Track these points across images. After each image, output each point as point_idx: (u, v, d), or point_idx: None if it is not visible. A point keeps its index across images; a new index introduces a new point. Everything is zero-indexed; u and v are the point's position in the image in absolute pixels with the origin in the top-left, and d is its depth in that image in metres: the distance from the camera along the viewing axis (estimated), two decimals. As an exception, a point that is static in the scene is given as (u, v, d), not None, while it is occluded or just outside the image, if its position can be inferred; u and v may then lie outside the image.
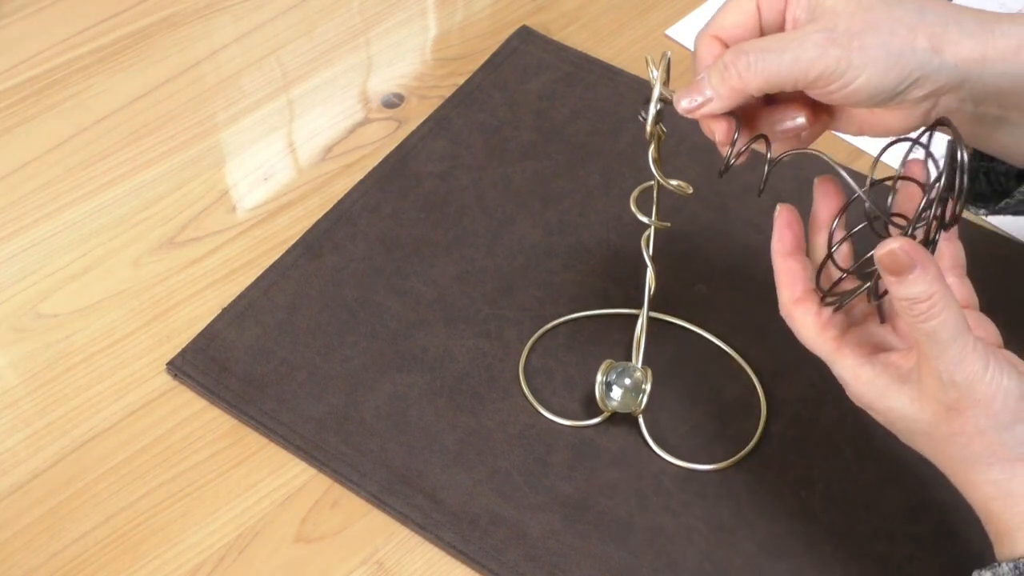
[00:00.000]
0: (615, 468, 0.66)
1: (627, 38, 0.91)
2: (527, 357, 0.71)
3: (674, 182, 0.62)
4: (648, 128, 0.60)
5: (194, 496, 0.65)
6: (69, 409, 0.69)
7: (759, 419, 0.68)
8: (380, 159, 0.81)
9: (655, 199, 0.64)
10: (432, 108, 0.85)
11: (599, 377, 0.67)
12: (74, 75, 0.87)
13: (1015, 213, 0.60)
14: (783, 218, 0.57)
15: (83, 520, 0.64)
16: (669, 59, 0.59)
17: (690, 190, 0.63)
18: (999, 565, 0.50)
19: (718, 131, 0.56)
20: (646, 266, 0.66)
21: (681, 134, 0.83)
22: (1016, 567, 0.50)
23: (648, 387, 0.67)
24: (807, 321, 0.55)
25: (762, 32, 0.55)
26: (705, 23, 0.56)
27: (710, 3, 0.93)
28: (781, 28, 0.55)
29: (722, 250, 0.76)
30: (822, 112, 0.57)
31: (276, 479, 0.66)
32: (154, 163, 0.82)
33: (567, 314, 0.72)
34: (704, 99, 0.54)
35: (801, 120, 0.56)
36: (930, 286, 0.49)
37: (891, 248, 0.49)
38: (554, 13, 0.93)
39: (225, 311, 0.73)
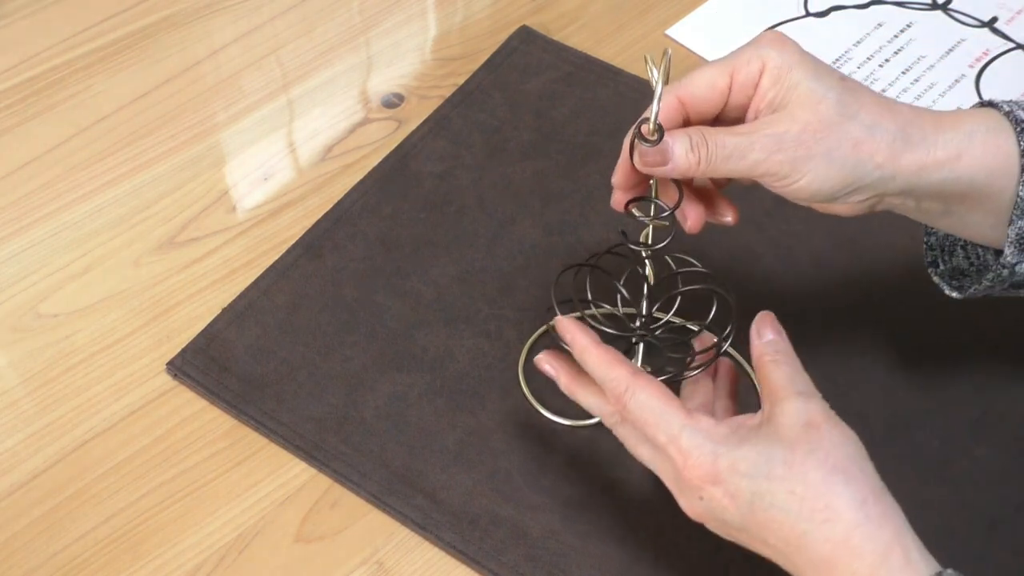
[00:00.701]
0: (615, 468, 0.66)
1: (627, 38, 0.91)
2: (527, 357, 0.71)
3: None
4: (651, 126, 0.60)
5: (194, 496, 0.65)
6: (69, 409, 0.69)
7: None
8: (380, 159, 0.82)
9: (653, 197, 0.64)
10: (432, 108, 0.85)
11: None
12: (74, 75, 0.87)
13: (987, 294, 0.62)
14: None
15: (83, 520, 0.64)
16: (670, 57, 0.59)
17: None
18: None
19: (627, 193, 0.62)
20: (644, 264, 0.65)
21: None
22: None
23: None
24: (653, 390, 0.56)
25: (725, 108, 0.58)
26: (676, 82, 0.59)
27: (710, 3, 0.93)
28: (744, 108, 0.58)
29: (722, 249, 0.76)
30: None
31: (276, 479, 0.66)
32: (154, 163, 0.82)
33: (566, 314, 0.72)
34: (663, 161, 0.57)
35: (728, 220, 0.63)
36: None
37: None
38: (554, 13, 0.93)
39: (225, 311, 0.73)
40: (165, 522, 0.64)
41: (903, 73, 0.88)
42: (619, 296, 0.66)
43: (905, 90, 0.87)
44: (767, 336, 0.58)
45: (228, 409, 0.68)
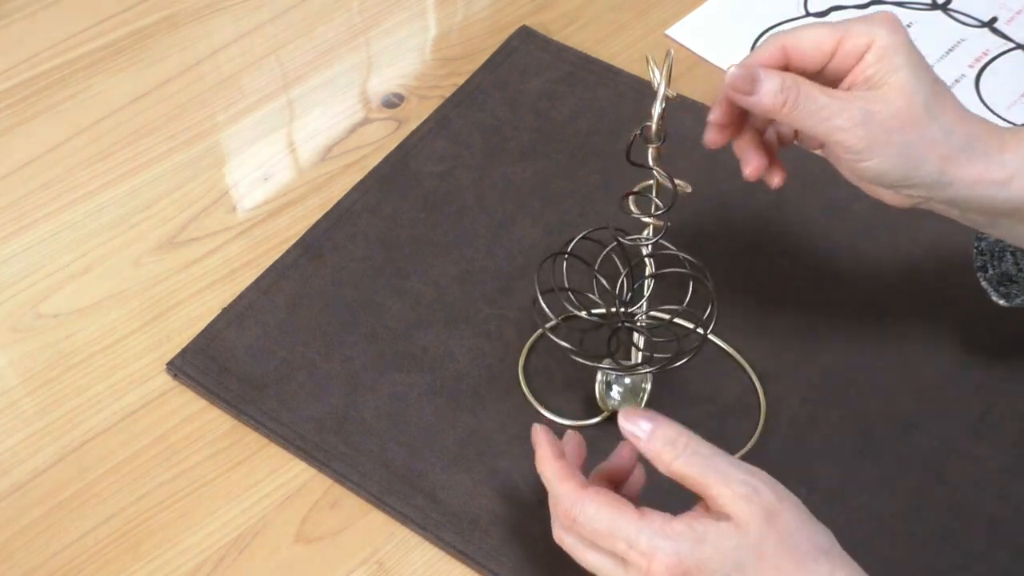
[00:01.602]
0: (615, 468, 0.66)
1: (627, 38, 0.91)
2: (527, 357, 0.71)
3: (675, 180, 0.62)
4: (654, 126, 0.60)
5: (194, 496, 0.65)
6: (69, 409, 0.69)
7: (759, 419, 0.68)
8: (380, 159, 0.81)
9: (654, 196, 0.64)
10: (432, 108, 0.85)
11: (599, 377, 0.67)
12: (74, 75, 0.87)
13: None
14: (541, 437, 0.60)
15: (83, 520, 0.64)
16: (672, 58, 0.60)
17: (689, 189, 0.63)
18: None
19: (720, 134, 0.62)
20: (645, 265, 0.66)
21: (681, 136, 0.83)
22: None
23: (648, 386, 0.67)
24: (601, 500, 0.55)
25: (824, 70, 0.59)
26: (784, 30, 0.59)
27: (710, 3, 0.93)
28: (842, 76, 0.59)
29: (722, 249, 0.76)
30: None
31: (276, 479, 0.66)
32: (154, 163, 0.82)
33: (567, 314, 0.72)
34: (752, 91, 0.57)
35: (776, 182, 0.63)
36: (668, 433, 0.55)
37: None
38: (554, 13, 0.93)
39: (225, 311, 0.73)
40: (165, 522, 0.64)
41: (903, 73, 0.88)
42: (595, 282, 0.66)
43: (905, 90, 0.87)
44: (644, 426, 0.55)
45: (228, 409, 0.68)
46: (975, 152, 0.57)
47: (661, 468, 0.55)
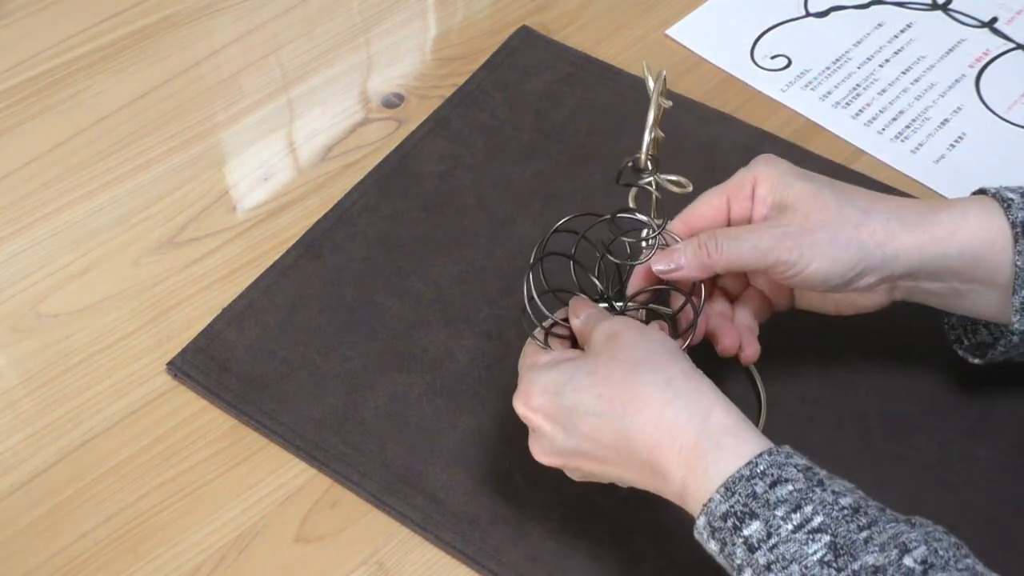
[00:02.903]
0: (615, 468, 0.66)
1: (627, 38, 0.91)
2: (527, 357, 0.71)
3: (672, 177, 0.63)
4: (643, 154, 0.62)
5: (194, 496, 0.65)
6: (69, 409, 0.69)
7: (759, 419, 0.68)
8: (380, 159, 0.82)
9: (653, 199, 0.64)
10: (432, 108, 0.85)
11: None
12: (74, 75, 0.87)
13: (1006, 359, 0.64)
14: None
15: (83, 520, 0.64)
16: (665, 77, 0.63)
17: (689, 187, 0.63)
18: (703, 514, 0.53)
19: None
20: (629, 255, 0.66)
21: (682, 136, 0.83)
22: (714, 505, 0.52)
23: None
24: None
25: (729, 223, 0.63)
26: (680, 214, 0.64)
27: (710, 3, 0.93)
28: (747, 221, 0.63)
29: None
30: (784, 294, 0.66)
31: (276, 479, 0.66)
32: (154, 163, 0.82)
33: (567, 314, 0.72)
34: (676, 267, 0.61)
35: (747, 355, 0.65)
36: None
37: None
38: (554, 13, 0.93)
39: (225, 311, 0.73)
40: (165, 522, 0.64)
41: (903, 73, 0.88)
42: (572, 266, 0.66)
43: (905, 90, 0.87)
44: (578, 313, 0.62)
45: (228, 409, 0.69)
46: (906, 220, 0.60)
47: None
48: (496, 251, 0.76)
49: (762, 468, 0.52)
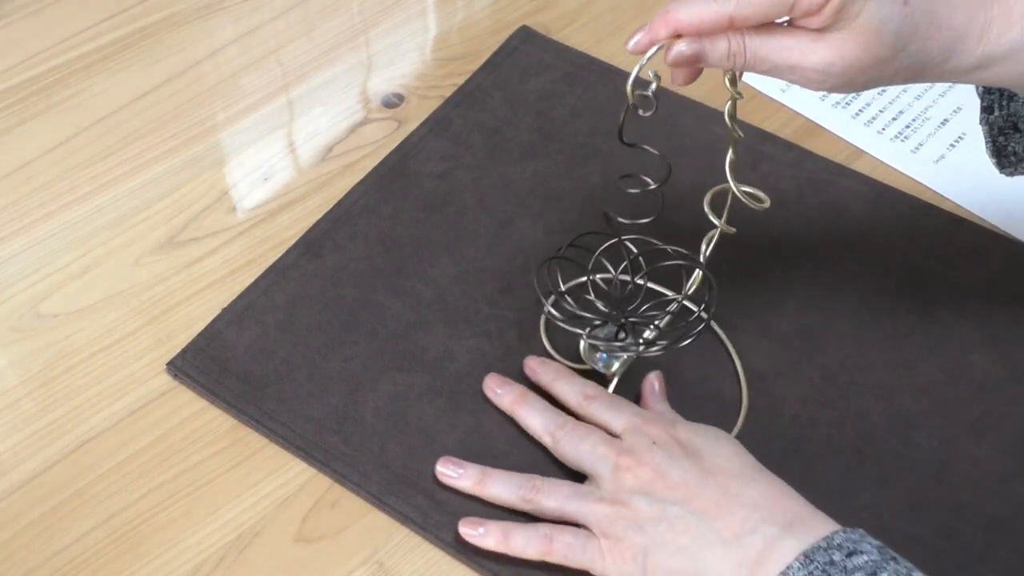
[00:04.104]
0: (615, 468, 0.66)
1: (627, 38, 0.90)
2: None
3: (749, 189, 0.63)
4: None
5: (194, 496, 0.65)
6: (69, 409, 0.69)
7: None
8: (380, 159, 0.82)
9: (728, 203, 0.65)
10: (432, 108, 0.85)
11: (582, 344, 0.69)
12: (74, 75, 0.87)
13: None
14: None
15: (83, 520, 0.64)
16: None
17: (767, 203, 0.64)
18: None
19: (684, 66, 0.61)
20: (703, 265, 0.67)
21: (682, 136, 0.83)
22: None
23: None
24: None
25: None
26: None
27: (710, 3, 0.93)
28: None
29: (722, 249, 0.76)
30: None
31: (276, 479, 0.66)
32: (154, 163, 0.82)
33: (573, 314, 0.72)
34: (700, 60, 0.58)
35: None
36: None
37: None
38: (554, 13, 0.93)
39: (225, 311, 0.73)
40: (165, 522, 0.64)
41: (903, 73, 0.88)
42: (588, 281, 0.68)
43: (905, 89, 0.87)
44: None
45: (228, 409, 0.68)
46: (954, 52, 0.55)
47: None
48: (496, 251, 0.76)
49: (839, 541, 0.54)
